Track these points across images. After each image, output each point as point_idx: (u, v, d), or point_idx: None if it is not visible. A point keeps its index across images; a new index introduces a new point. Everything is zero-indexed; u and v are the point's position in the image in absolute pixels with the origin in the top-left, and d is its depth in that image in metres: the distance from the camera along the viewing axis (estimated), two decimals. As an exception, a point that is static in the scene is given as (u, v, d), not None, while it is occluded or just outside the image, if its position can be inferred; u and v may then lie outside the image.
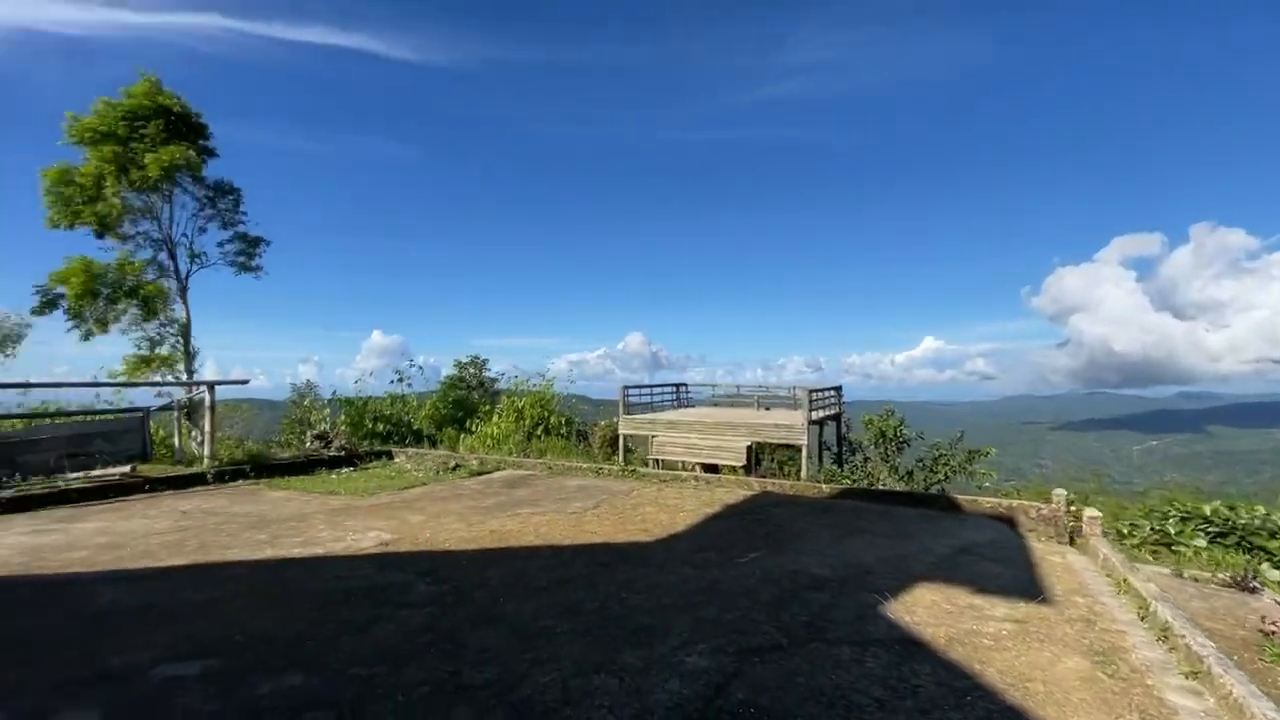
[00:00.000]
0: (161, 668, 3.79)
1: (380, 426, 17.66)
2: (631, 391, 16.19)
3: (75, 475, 10.25)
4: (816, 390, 14.79)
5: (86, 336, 14.54)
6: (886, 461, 13.09)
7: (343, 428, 16.31)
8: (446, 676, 3.71)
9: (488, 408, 18.62)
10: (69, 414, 12.54)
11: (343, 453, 13.34)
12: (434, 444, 16.72)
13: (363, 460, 13.40)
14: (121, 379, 14.97)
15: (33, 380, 12.48)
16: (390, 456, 14.06)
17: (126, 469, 10.42)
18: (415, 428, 18.23)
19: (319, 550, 6.52)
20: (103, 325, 14.75)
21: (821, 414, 15.30)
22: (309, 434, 14.75)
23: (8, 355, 17.71)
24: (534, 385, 18.85)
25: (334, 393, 18.45)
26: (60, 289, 13.91)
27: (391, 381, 19.51)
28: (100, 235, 14.66)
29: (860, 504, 8.98)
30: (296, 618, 4.63)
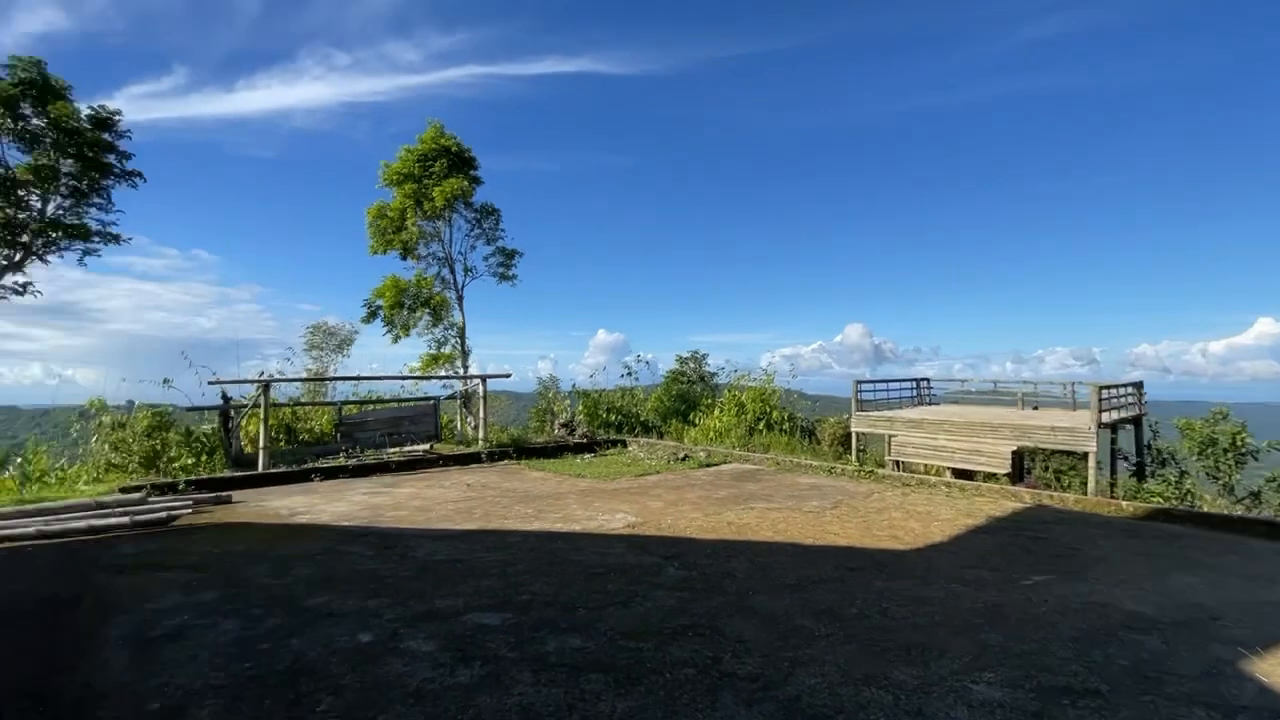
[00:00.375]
0: (472, 615, 4.47)
1: (612, 417, 19.06)
2: (865, 387, 15.15)
3: (392, 450, 12.81)
4: (1109, 387, 12.23)
5: (395, 340, 18.14)
6: (1217, 478, 10.30)
7: (580, 417, 17.97)
8: (709, 661, 3.75)
9: (709, 401, 18.98)
10: (384, 401, 15.77)
11: (584, 440, 14.67)
12: (661, 435, 17.53)
13: (601, 447, 14.58)
14: (417, 373, 18.39)
15: (362, 374, 15.88)
16: (624, 445, 15.09)
17: (426, 447, 12.73)
18: (642, 419, 19.33)
19: (576, 527, 7.18)
20: (405, 330, 18.24)
21: (1115, 416, 12.60)
22: (555, 422, 16.51)
23: (344, 355, 22.98)
24: (754, 380, 18.75)
25: (573, 385, 20.40)
26: (379, 302, 17.57)
27: (621, 376, 20.94)
28: (404, 257, 18.14)
29: (1184, 529, 7.16)
30: (567, 586, 5.12)
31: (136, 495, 8.69)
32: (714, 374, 21.99)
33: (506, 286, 19.29)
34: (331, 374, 17.95)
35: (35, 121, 12.56)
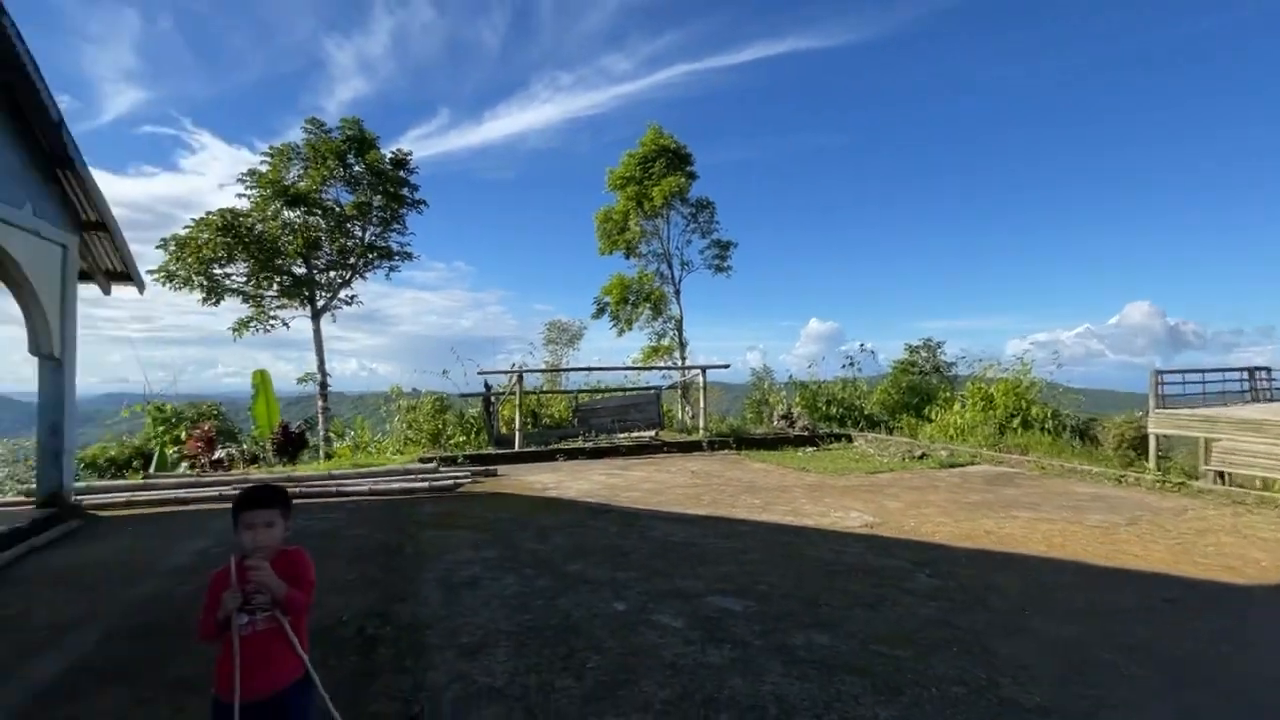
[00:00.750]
0: (713, 598, 4.56)
1: (833, 409, 18.15)
2: (1169, 378, 12.25)
3: (622, 435, 13.78)
4: None
5: (620, 333, 19.50)
6: None
7: (798, 409, 17.42)
8: (983, 683, 3.32)
9: (946, 394, 17.03)
10: (611, 390, 17.04)
11: (805, 433, 14.19)
12: (889, 430, 16.21)
13: (823, 441, 13.97)
14: (639, 364, 19.52)
15: (592, 365, 17.33)
16: (849, 439, 14.26)
17: (652, 434, 13.45)
18: (867, 412, 18.08)
19: (808, 521, 6.94)
20: (629, 324, 19.48)
21: None
22: (774, 414, 16.24)
23: (575, 349, 25.40)
24: (1003, 370, 16.34)
25: (790, 376, 19.87)
26: (606, 299, 19.03)
27: (842, 366, 19.83)
28: (628, 256, 19.39)
29: None
30: (806, 580, 4.95)
31: (430, 465, 10.59)
32: (951, 364, 19.71)
33: (721, 278, 19.54)
34: (566, 366, 19.86)
35: (356, 168, 16.00)
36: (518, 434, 12.73)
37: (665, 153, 18.18)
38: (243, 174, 15.44)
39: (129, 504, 7.79)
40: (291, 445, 12.88)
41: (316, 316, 16.12)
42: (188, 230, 14.50)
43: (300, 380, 16.43)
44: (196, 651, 3.69)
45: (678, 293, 19.31)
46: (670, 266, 19.27)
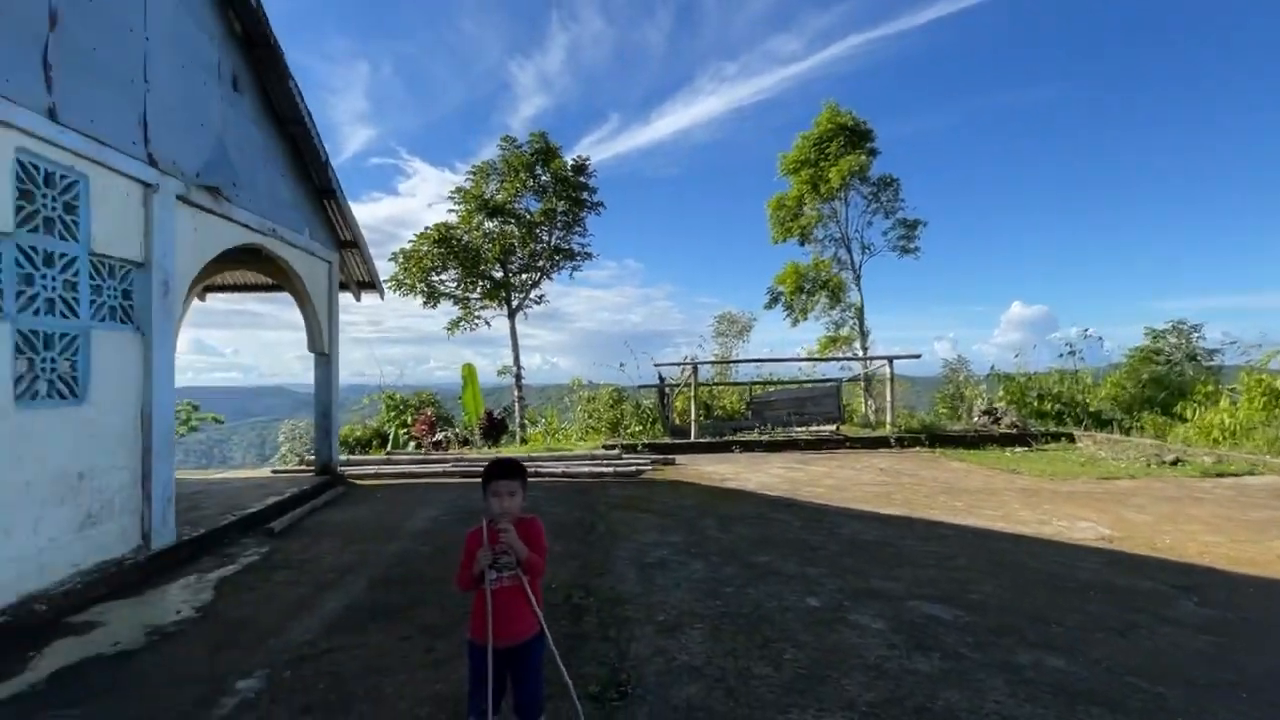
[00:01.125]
0: (915, 603, 4.23)
1: (1047, 405, 15.83)
2: None
3: (800, 429, 13.36)
4: None
5: (795, 323, 18.89)
6: None
7: (1003, 404, 15.46)
8: (1292, 744, 2.67)
9: (1208, 388, 13.97)
10: (785, 383, 16.59)
11: (1014, 430, 12.57)
12: (1124, 430, 13.73)
13: (1036, 440, 12.26)
14: (816, 356, 18.75)
15: (768, 357, 17.01)
16: (1069, 439, 12.35)
17: (833, 428, 12.86)
18: (1092, 409, 15.49)
19: (1024, 530, 6.14)
20: (803, 314, 18.79)
21: None
22: (975, 409, 14.62)
23: (744, 340, 25.12)
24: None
25: (992, 368, 17.73)
26: (780, 288, 18.55)
27: (1060, 355, 17.24)
28: (802, 243, 18.71)
29: None
30: (1027, 594, 4.38)
31: (613, 452, 11.20)
32: (1213, 352, 16.13)
33: (908, 260, 18.04)
34: (738, 358, 19.74)
35: (543, 177, 17.38)
36: (693, 425, 12.94)
37: (842, 131, 17.18)
38: (451, 192, 17.64)
39: (376, 475, 9.33)
40: (494, 430, 14.46)
41: (512, 315, 17.88)
42: (411, 244, 16.95)
43: (499, 373, 18.36)
44: (438, 602, 4.30)
45: (858, 279, 18.20)
46: (849, 251, 18.22)
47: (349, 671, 3.31)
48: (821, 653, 3.49)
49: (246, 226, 6.63)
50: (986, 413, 13.98)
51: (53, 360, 4.32)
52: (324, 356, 8.81)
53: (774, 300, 18.80)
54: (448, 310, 17.99)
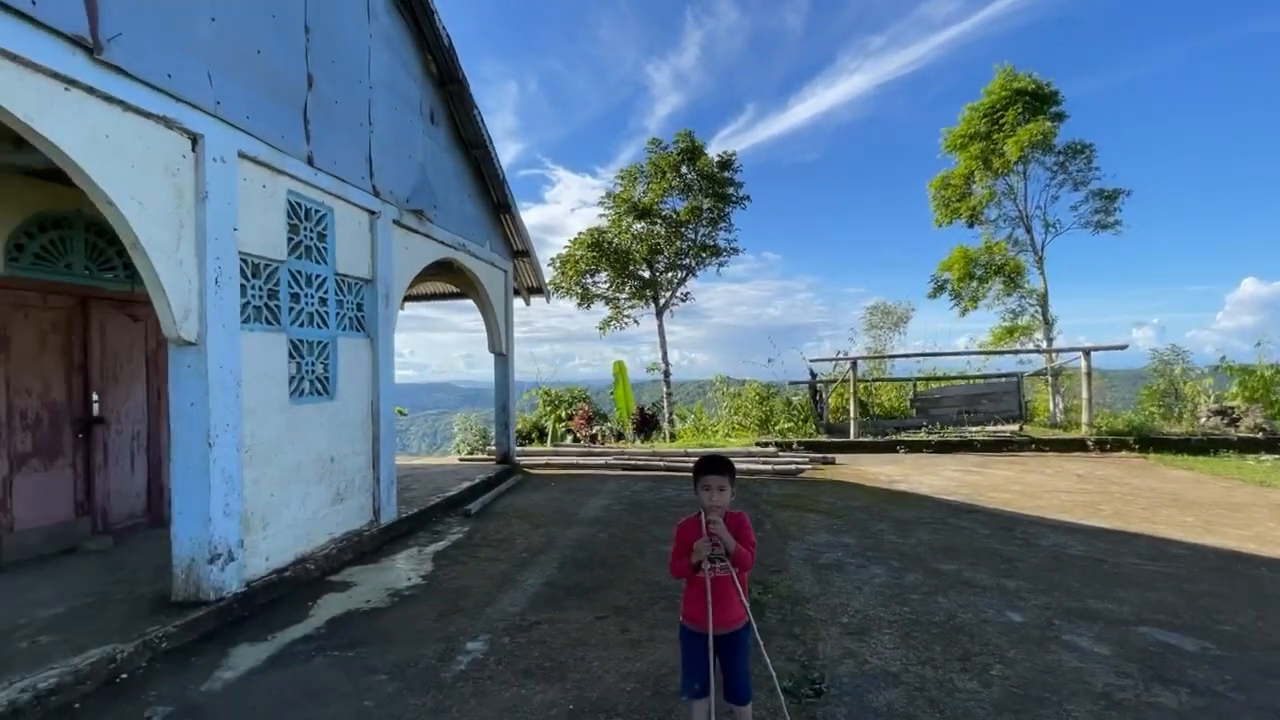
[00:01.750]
0: (1145, 629, 3.73)
1: (1304, 404, 12.97)
2: None
3: (975, 429, 12.25)
4: None
5: (963, 313, 17.29)
6: None
7: (1238, 402, 12.92)
8: None
9: None
10: (952, 378, 15.25)
11: (1259, 434, 10.49)
12: None
13: (1290, 447, 10.12)
14: (989, 347, 17.02)
15: (941, 351, 15.78)
16: (1341, 447, 10.05)
17: (1015, 428, 11.62)
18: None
19: (1286, 552, 5.14)
20: (973, 302, 17.15)
21: None
22: (1201, 408, 12.43)
23: (900, 333, 23.42)
24: None
25: (1223, 359, 14.88)
26: (946, 275, 17.09)
27: (1320, 342, 14.03)
28: (970, 225, 17.09)
29: None
30: (1303, 631, 3.68)
31: (768, 449, 11.09)
32: None
33: (1105, 238, 15.75)
34: (903, 351, 18.52)
35: (689, 176, 17.58)
36: (853, 423, 12.39)
37: (1019, 97, 15.37)
38: (602, 198, 18.46)
39: (547, 465, 10.08)
40: (646, 425, 14.96)
41: (659, 314, 18.33)
42: (565, 250, 18.03)
43: (649, 369, 18.90)
44: (624, 587, 4.58)
45: (1039, 261, 16.21)
46: (1029, 231, 16.29)
47: (557, 644, 3.65)
48: (1035, 672, 3.22)
49: (443, 243, 7.51)
50: (1219, 412, 11.80)
51: (312, 364, 5.23)
52: (502, 357, 9.70)
53: (939, 289, 17.34)
54: (598, 311, 18.89)
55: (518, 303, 11.02)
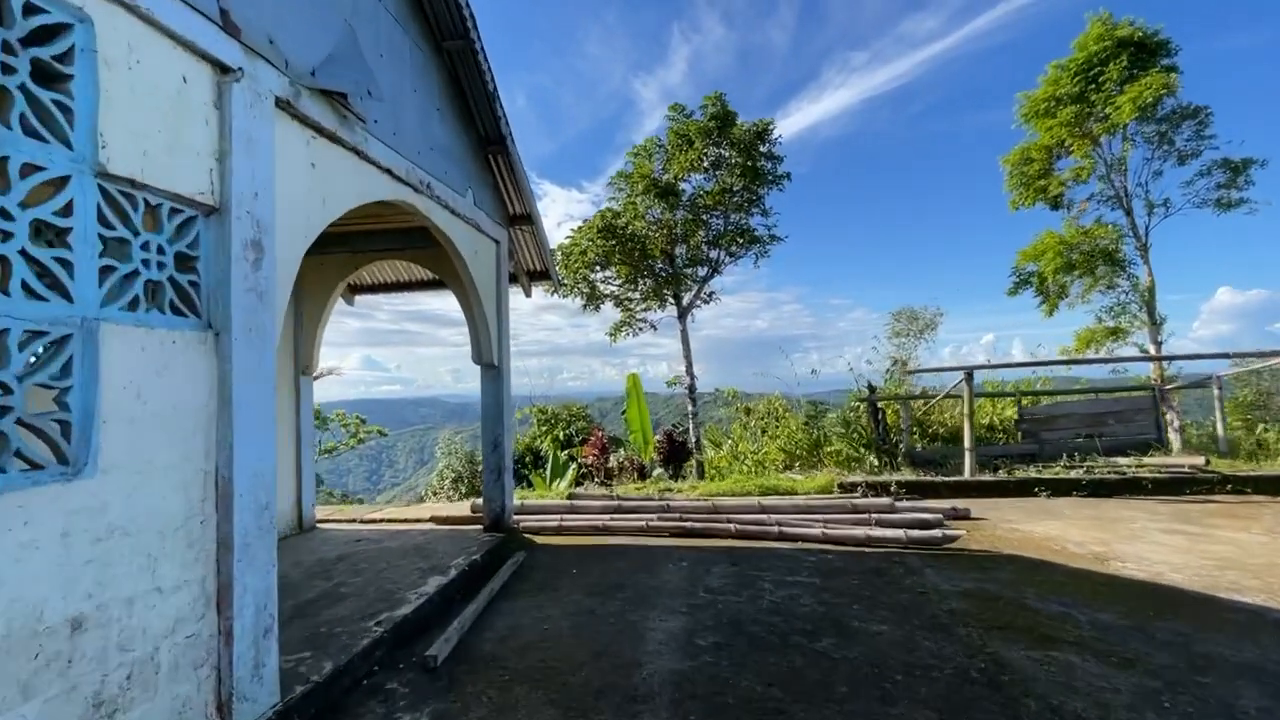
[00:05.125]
0: None
1: None
2: None
3: (1127, 461, 9.22)
4: None
5: (1049, 312, 14.38)
6: None
7: None
8: None
9: None
10: (1065, 392, 12.34)
11: None
12: None
13: None
14: (1075, 354, 14.16)
15: (1055, 359, 12.80)
16: None
17: (1198, 461, 8.57)
18: None
19: None
20: (1058, 298, 14.28)
21: None
22: None
23: (927, 339, 20.62)
24: None
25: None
26: (1030, 267, 14.15)
27: None
28: (1055, 207, 14.24)
29: None
30: None
31: (863, 494, 7.98)
32: None
33: (1234, 216, 12.91)
34: (1037, 359, 15.55)
35: (722, 150, 14.53)
36: (967, 455, 9.28)
37: (1123, 48, 12.58)
38: (613, 178, 15.40)
39: (560, 529, 6.87)
40: (676, 454, 11.78)
41: (682, 315, 15.22)
42: (570, 239, 14.89)
43: (669, 383, 15.81)
44: None
45: (1144, 249, 13.37)
46: (1129, 213, 13.47)
47: None
48: None
49: (390, 172, 4.34)
50: None
51: (12, 390, 2.04)
52: (492, 369, 6.53)
53: (1022, 283, 14.41)
54: (588, 322, 15.78)
55: (515, 294, 7.86)
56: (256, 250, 2.96)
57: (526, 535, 6.72)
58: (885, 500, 7.17)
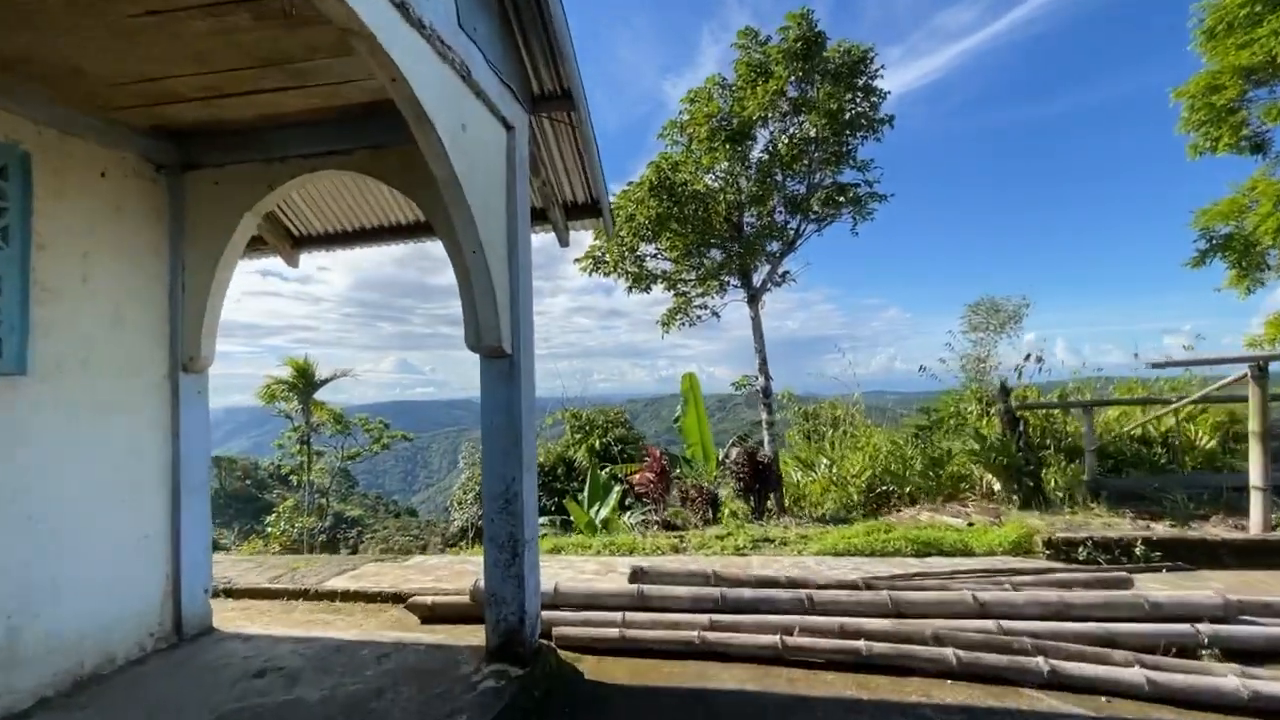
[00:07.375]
0: None
1: None
2: None
3: None
4: None
5: (1247, 292, 10.89)
6: None
7: None
8: None
9: None
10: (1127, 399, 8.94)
11: None
12: None
13: None
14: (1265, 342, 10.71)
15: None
16: None
17: None
18: None
19: None
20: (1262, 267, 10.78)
21: None
22: None
23: (1009, 334, 17.24)
24: None
25: None
26: (1224, 229, 10.68)
27: None
28: (1255, 151, 10.74)
29: None
30: None
31: (1056, 563, 4.83)
32: None
33: None
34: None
35: (808, 90, 11.36)
36: (1258, 498, 5.93)
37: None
38: (664, 129, 12.38)
39: (621, 643, 3.90)
40: (762, 482, 8.69)
41: (753, 299, 12.10)
42: (613, 202, 11.92)
43: (737, 385, 12.77)
44: None
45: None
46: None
47: None
48: None
49: None
50: None
51: None
52: (501, 359, 3.59)
53: (1210, 251, 10.92)
54: (633, 319, 12.78)
55: (544, 244, 4.96)
56: None
57: (564, 653, 3.79)
58: (1127, 576, 4.00)
